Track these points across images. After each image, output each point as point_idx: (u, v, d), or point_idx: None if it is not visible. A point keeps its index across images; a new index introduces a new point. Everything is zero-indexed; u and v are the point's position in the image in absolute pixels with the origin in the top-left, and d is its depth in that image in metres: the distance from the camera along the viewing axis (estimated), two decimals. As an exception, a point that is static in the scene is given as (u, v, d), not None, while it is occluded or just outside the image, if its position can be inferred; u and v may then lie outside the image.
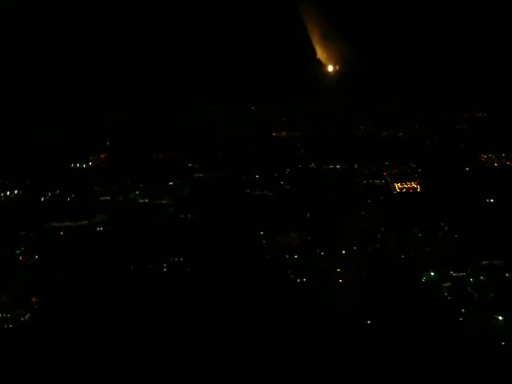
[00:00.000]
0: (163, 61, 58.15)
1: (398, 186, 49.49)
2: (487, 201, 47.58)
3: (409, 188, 49.02)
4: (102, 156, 55.76)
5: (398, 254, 42.59)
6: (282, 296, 38.92)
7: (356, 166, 53.64)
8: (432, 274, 39.26)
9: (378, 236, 44.00)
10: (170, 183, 51.63)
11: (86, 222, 45.93)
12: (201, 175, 53.74)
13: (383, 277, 39.71)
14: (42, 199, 50.72)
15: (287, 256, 42.81)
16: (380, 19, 58.70)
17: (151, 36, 57.53)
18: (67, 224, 45.63)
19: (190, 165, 55.90)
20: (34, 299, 37.83)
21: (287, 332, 36.29)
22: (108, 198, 49.72)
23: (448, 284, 38.74)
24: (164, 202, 49.02)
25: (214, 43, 58.24)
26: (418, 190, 49.13)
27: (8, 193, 48.72)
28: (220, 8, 58.46)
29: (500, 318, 35.78)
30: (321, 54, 60.32)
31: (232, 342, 35.86)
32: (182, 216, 47.45)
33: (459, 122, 59.64)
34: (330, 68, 60.28)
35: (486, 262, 40.33)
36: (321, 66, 60.64)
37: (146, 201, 48.85)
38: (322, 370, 33.46)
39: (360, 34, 58.39)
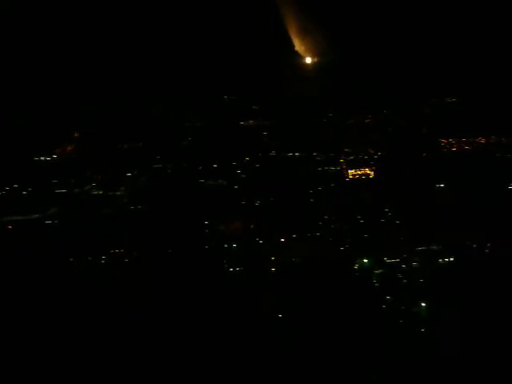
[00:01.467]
0: (136, 50, 57.15)
1: (351, 172, 48.53)
2: (437, 186, 45.67)
3: (361, 174, 48.14)
4: (68, 148, 54.85)
5: (337, 241, 40.36)
6: (212, 285, 37.70)
7: (315, 153, 51.47)
8: (365, 260, 38.23)
9: (320, 223, 42.22)
10: (128, 174, 49.89)
11: (36, 215, 45.11)
12: (160, 165, 51.67)
13: (316, 265, 38.35)
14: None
15: (226, 245, 40.55)
16: (357, 11, 58.73)
17: (123, 26, 56.43)
18: (17, 218, 44.97)
19: (152, 155, 52.92)
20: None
21: (210, 322, 34.74)
22: (64, 190, 48.16)
23: (379, 271, 37.72)
24: (118, 193, 48.11)
25: (190, 33, 56.38)
26: (371, 176, 47.89)
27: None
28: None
29: (423, 304, 34.68)
30: (299, 46, 59.60)
31: (163, 329, 35.22)
32: (132, 207, 46.05)
33: (428, 107, 56.86)
34: (308, 60, 59.30)
35: (423, 248, 39.47)
36: (299, 57, 59.22)
37: (101, 192, 48.21)
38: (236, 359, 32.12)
39: (338, 26, 58.18)
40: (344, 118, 60.31)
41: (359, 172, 49.40)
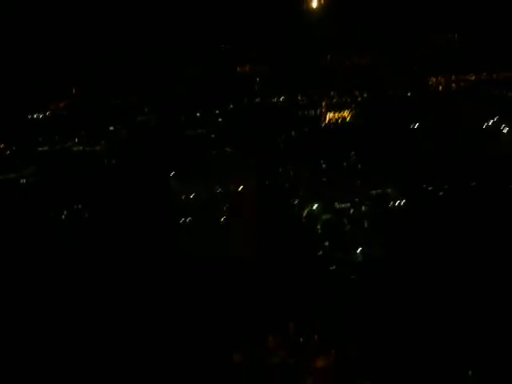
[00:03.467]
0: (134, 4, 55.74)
1: (330, 115, 46.99)
2: (410, 127, 43.82)
3: (338, 118, 46.47)
4: (61, 104, 55.06)
5: (293, 186, 39.33)
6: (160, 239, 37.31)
7: (299, 97, 50.24)
8: (315, 206, 37.05)
9: (280, 170, 41.22)
10: (111, 128, 49.88)
11: (13, 174, 45.59)
12: (144, 118, 51.39)
13: (265, 212, 37.52)
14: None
15: (183, 197, 40.08)
16: None
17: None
18: (-6, 177, 45.40)
19: (141, 108, 52.66)
20: None
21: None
22: (46, 148, 48.44)
23: (326, 216, 36.50)
24: (97, 148, 48.09)
25: None
26: (347, 119, 46.27)
27: None
28: None
29: (359, 250, 33.46)
30: None
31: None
32: (106, 161, 45.89)
33: (426, 45, 54.18)
34: (314, 2, 57.59)
35: (378, 192, 37.84)
36: (304, 2, 57.71)
37: (80, 149, 48.13)
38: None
39: None
40: (340, 60, 56.14)
41: (337, 115, 46.80)
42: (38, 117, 55.19)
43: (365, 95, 51.37)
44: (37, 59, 57.28)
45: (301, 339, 29.60)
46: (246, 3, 57.01)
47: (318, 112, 49.68)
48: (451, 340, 28.86)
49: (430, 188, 38.12)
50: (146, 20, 57.81)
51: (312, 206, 37.54)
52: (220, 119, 52.00)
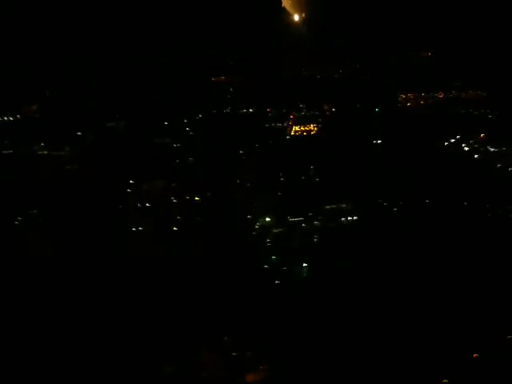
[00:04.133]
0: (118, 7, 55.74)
1: (295, 128, 46.56)
2: (374, 142, 43.38)
3: (304, 131, 46.11)
4: (32, 107, 54.74)
5: (248, 199, 38.80)
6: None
7: (268, 109, 49.89)
8: (268, 219, 36.57)
9: (237, 181, 40.74)
10: (78, 133, 49.52)
11: None
12: (113, 124, 51.03)
13: (218, 223, 37.06)
14: None
15: (139, 204, 39.64)
16: None
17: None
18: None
19: (112, 114, 52.33)
20: None
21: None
22: (10, 151, 48.09)
23: (278, 230, 36.00)
24: (62, 153, 47.60)
25: None
26: (313, 132, 45.87)
27: None
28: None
29: (304, 264, 32.96)
30: (287, 2, 58.02)
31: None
32: (68, 167, 45.52)
33: (402, 61, 54.21)
34: (296, 17, 57.72)
35: (332, 206, 37.29)
36: (287, 14, 57.82)
37: (45, 152, 47.64)
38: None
39: None
40: (316, 73, 56.32)
41: (302, 128, 46.46)
42: (8, 119, 53.41)
43: (333, 109, 49.23)
44: (14, 61, 55.73)
45: (234, 353, 28.59)
46: (228, 13, 55.46)
47: (285, 124, 48.20)
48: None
49: (385, 204, 36.16)
50: (125, 26, 56.57)
51: (264, 219, 36.38)
52: (187, 128, 50.24)
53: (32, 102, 55.67)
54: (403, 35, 54.83)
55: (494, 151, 42.85)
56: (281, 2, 57.85)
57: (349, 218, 36.77)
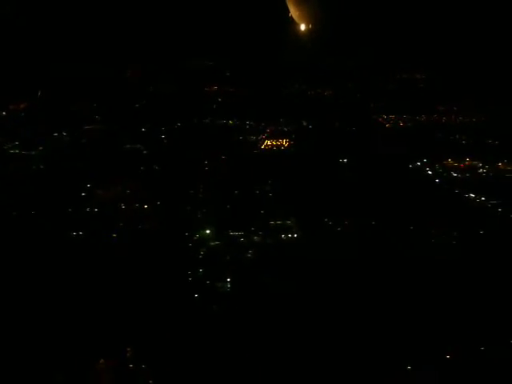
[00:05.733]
0: (115, 16, 55.95)
1: (267, 142, 45.51)
2: (340, 160, 42.08)
3: (275, 145, 45.10)
4: (21, 105, 54.83)
5: (197, 210, 37.71)
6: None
7: (247, 122, 49.09)
8: (207, 231, 35.27)
9: (191, 192, 39.71)
10: (55, 134, 49.21)
11: None
12: (91, 127, 50.76)
13: (161, 233, 35.95)
14: None
15: (96, 209, 39.68)
16: None
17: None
18: None
19: (94, 117, 52.19)
20: None
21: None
22: None
23: (214, 243, 34.70)
24: (33, 153, 47.27)
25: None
26: (283, 147, 44.80)
27: None
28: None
29: (228, 279, 31.47)
30: (293, 12, 57.76)
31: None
32: (41, 167, 46.76)
33: (393, 83, 53.30)
34: (303, 27, 57.35)
35: (277, 222, 35.84)
36: (293, 24, 57.51)
37: (17, 151, 47.41)
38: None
39: None
40: (306, 89, 56.64)
41: (274, 142, 45.27)
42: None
43: (310, 126, 48.06)
44: (10, 60, 55.72)
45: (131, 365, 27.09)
46: (235, 22, 55.13)
47: (259, 138, 47.11)
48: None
49: (330, 223, 34.46)
50: (122, 33, 56.30)
51: (204, 232, 34.91)
52: (163, 136, 49.41)
53: (21, 99, 54.14)
54: (402, 57, 53.99)
55: (456, 177, 38.95)
56: (288, 12, 56.21)
57: (289, 235, 33.99)
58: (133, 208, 40.62)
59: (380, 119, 49.93)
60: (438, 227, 34.70)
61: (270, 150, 45.67)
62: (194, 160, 46.88)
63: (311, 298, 30.46)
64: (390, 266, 31.86)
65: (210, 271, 32.70)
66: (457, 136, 48.06)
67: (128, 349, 27.41)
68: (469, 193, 38.22)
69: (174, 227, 37.56)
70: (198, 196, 41.13)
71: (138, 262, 33.99)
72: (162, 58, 58.58)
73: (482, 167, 41.98)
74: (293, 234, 35.03)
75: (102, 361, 26.88)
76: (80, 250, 36.47)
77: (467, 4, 48.35)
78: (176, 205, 40.33)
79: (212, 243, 35.36)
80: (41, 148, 49.90)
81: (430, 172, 41.95)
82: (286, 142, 45.83)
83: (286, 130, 49.32)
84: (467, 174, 41.51)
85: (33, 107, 56.66)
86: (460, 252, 34.12)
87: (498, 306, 29.10)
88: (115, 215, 40.33)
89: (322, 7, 53.97)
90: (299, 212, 37.55)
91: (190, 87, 58.45)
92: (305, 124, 50.15)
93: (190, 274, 32.76)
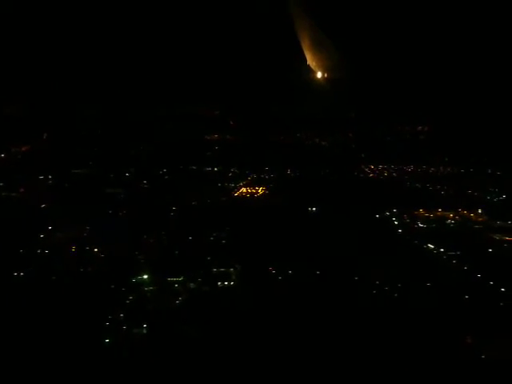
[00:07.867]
0: (121, 63, 56.69)
1: (243, 190, 44.44)
2: (309, 209, 40.31)
3: (249, 193, 43.85)
4: (23, 148, 55.35)
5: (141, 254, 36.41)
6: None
7: (232, 169, 48.12)
8: (145, 276, 33.80)
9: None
10: (40, 177, 49.44)
11: None
12: (79, 171, 50.63)
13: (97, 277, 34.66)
14: None
15: (46, 251, 40.28)
16: (368, 30, 56.05)
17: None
18: None
19: (86, 161, 52.02)
20: None
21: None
22: None
23: (150, 288, 33.21)
24: (14, 194, 47.54)
25: (202, 45, 56.19)
26: (256, 195, 43.47)
27: None
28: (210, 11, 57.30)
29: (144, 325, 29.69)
30: (311, 60, 57.78)
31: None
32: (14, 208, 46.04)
33: (394, 134, 51.75)
34: (319, 75, 57.37)
35: (220, 270, 34.33)
36: (310, 72, 57.62)
37: (2, 194, 47.70)
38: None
39: (350, 44, 55.89)
40: (306, 139, 55.25)
41: (249, 190, 43.76)
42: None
43: (292, 174, 46.45)
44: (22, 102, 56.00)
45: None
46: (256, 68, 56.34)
47: (237, 185, 45.63)
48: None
49: (273, 271, 32.31)
50: (133, 77, 56.27)
51: (141, 277, 33.07)
52: (144, 181, 48.33)
53: (24, 142, 55.71)
54: (407, 109, 53.17)
55: (421, 227, 36.49)
56: (306, 60, 55.84)
57: (225, 283, 31.72)
58: (82, 250, 38.43)
59: (367, 169, 45.13)
60: (382, 278, 31.14)
61: (242, 197, 42.33)
62: (163, 206, 45.27)
63: (218, 348, 27.34)
64: (318, 319, 28.63)
65: (130, 316, 29.61)
66: (438, 186, 44.37)
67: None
68: (427, 244, 34.14)
69: (115, 271, 34.47)
70: (149, 241, 37.69)
71: (64, 303, 32.24)
72: (174, 105, 59.61)
73: (453, 218, 37.56)
74: (229, 282, 31.96)
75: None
76: (14, 289, 34.58)
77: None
78: (127, 249, 37.18)
79: (146, 288, 32.29)
80: (22, 190, 47.08)
81: (395, 222, 37.56)
82: (261, 190, 42.37)
83: (266, 177, 44.89)
84: (433, 225, 38.08)
85: (35, 150, 54.78)
86: (399, 302, 32.03)
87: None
88: (62, 257, 38.35)
89: (337, 58, 52.67)
90: (247, 260, 34.45)
91: (192, 135, 57.99)
92: (289, 172, 45.57)
93: (109, 319, 29.17)
